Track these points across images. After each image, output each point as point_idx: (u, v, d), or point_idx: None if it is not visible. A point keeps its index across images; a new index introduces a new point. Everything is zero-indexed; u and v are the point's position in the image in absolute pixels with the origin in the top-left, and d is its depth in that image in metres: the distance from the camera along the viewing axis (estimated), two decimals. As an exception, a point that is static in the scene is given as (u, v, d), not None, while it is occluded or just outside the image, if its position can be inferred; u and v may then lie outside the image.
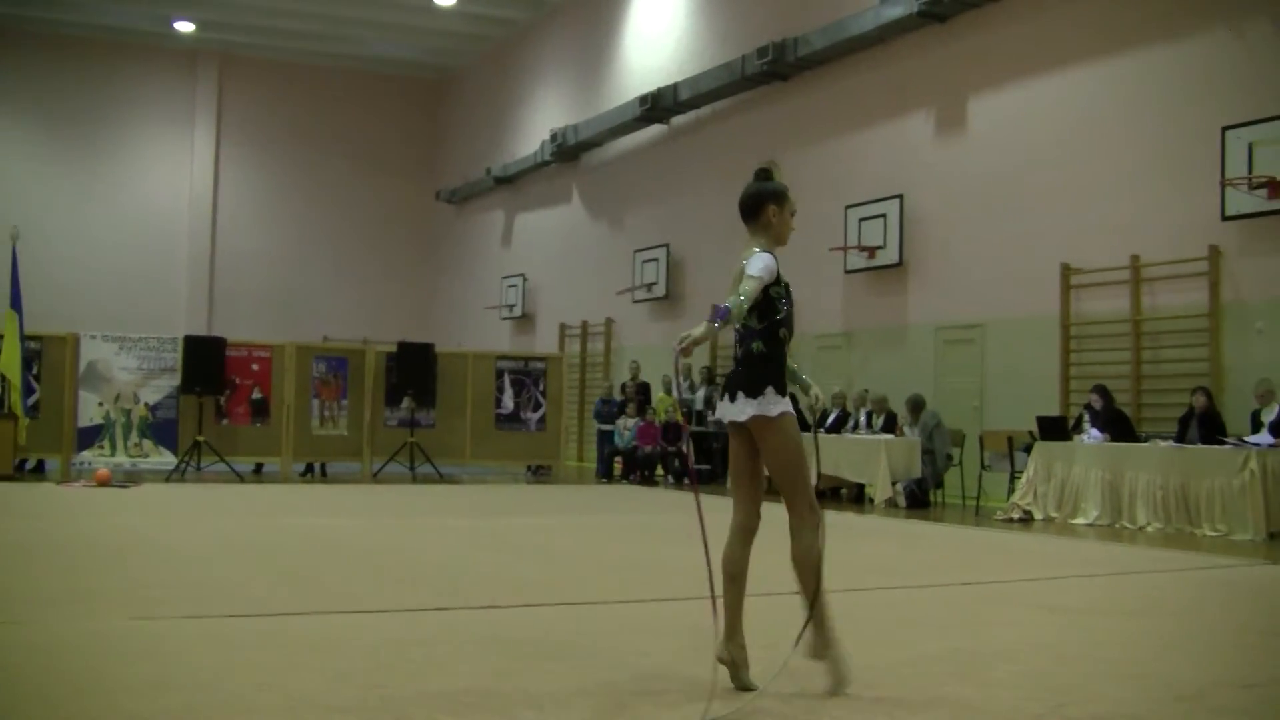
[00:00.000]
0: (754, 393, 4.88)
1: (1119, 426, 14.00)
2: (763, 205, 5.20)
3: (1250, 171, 13.67)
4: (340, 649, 5.55)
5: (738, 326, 4.94)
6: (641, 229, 25.59)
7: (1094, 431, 14.05)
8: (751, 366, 4.95)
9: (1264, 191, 13.56)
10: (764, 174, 5.32)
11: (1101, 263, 15.59)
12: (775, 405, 4.87)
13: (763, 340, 4.96)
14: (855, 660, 5.02)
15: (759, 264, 4.90)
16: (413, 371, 19.59)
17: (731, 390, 4.97)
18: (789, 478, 4.94)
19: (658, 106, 24.22)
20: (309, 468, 19.68)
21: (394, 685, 4.82)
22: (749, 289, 4.78)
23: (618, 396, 21.75)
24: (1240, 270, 14.15)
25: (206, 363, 18.29)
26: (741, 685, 4.82)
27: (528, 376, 21.04)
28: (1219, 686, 5.12)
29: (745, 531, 5.03)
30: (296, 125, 35.32)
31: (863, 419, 17.04)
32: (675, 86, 23.73)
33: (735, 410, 4.93)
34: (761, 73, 21.33)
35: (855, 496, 16.34)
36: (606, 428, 21.07)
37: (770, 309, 4.96)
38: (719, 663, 4.80)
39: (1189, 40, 15.06)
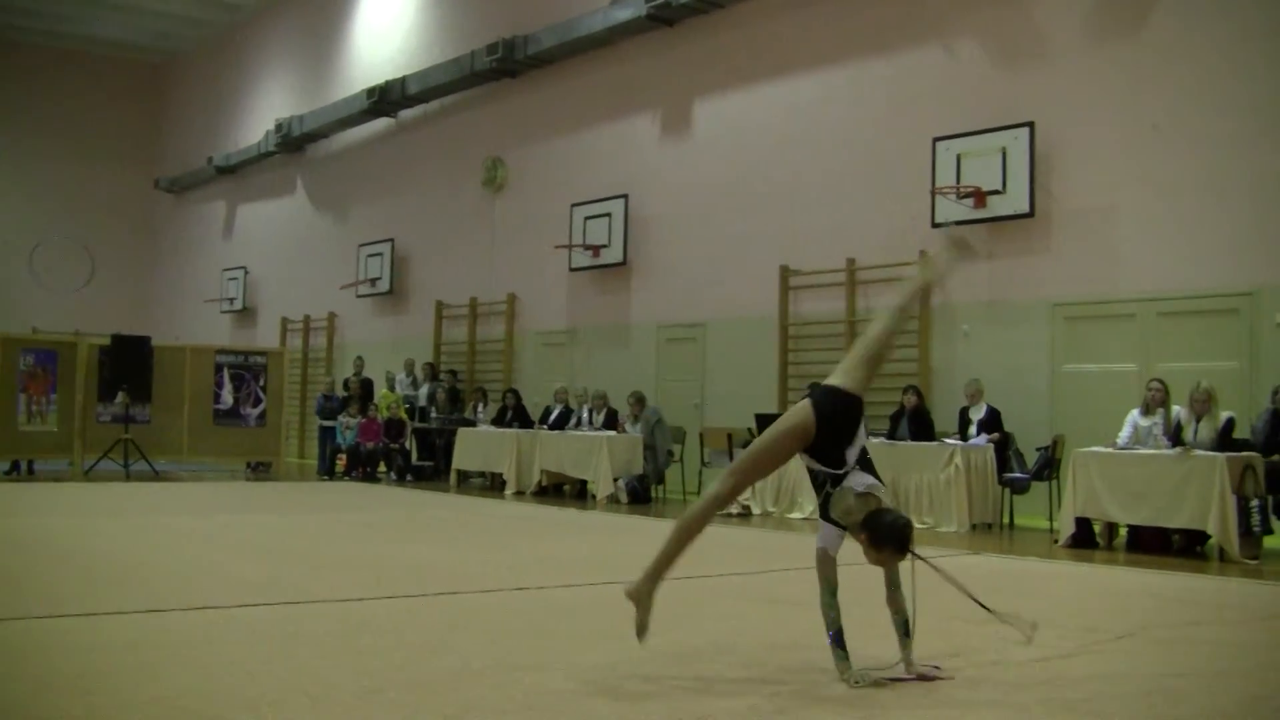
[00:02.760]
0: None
1: (833, 424, 14.11)
2: None
3: (958, 181, 13.99)
4: (47, 655, 5.17)
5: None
6: (366, 223, 24.76)
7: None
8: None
9: (970, 200, 13.93)
10: None
11: (819, 265, 15.77)
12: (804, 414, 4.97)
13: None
14: (583, 658, 5.09)
15: None
16: (128, 365, 18.53)
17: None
18: (750, 452, 5.19)
19: (385, 100, 23.51)
20: (14, 466, 18.33)
21: (103, 692, 4.48)
22: None
23: (340, 392, 21.06)
24: (948, 276, 14.47)
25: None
26: (641, 625, 5.01)
27: (248, 371, 20.20)
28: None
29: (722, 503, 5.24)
30: (4, 106, 32.78)
31: (585, 415, 16.86)
32: (403, 80, 23.07)
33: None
34: (491, 69, 20.93)
35: (578, 493, 16.11)
36: (328, 424, 20.29)
37: None
38: (627, 597, 5.07)
39: (903, 54, 15.34)
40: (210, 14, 31.19)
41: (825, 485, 4.98)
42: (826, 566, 4.93)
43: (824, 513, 4.98)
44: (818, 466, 4.97)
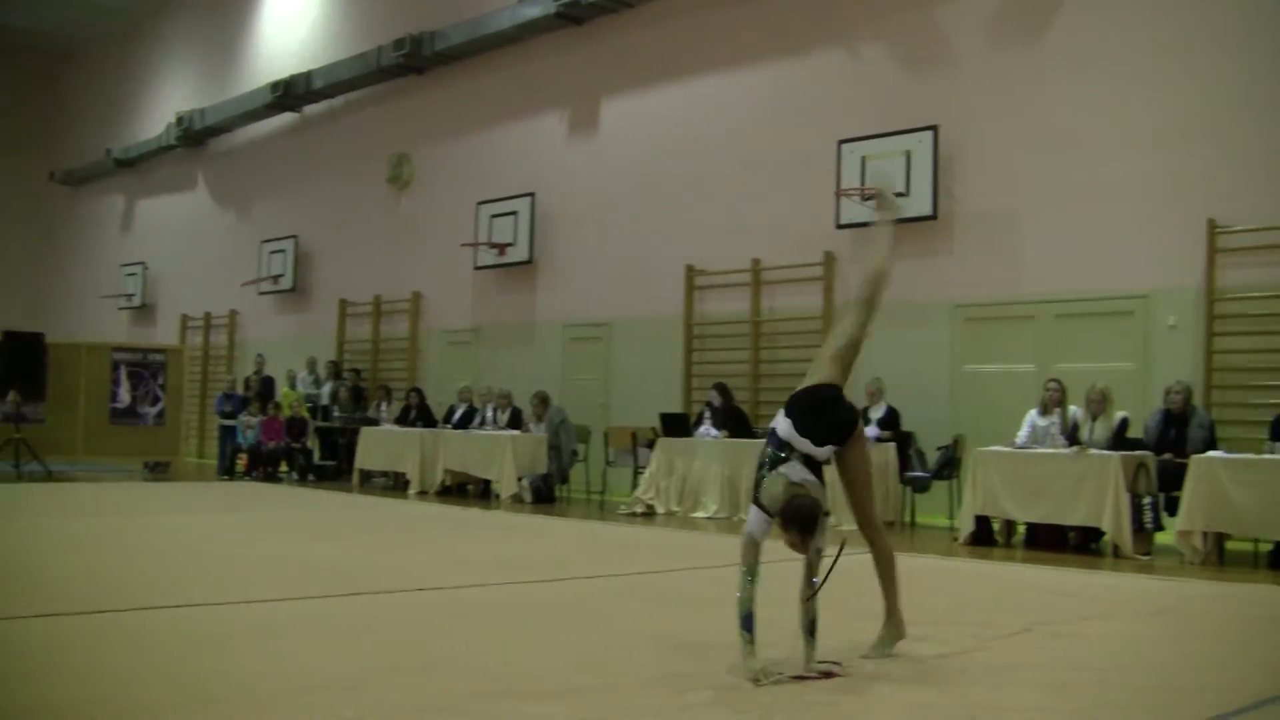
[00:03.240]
0: None
1: (737, 423, 14.18)
2: None
3: (862, 184, 14.05)
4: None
5: None
6: (269, 219, 24.35)
7: (706, 429, 14.19)
8: None
9: (874, 202, 14.01)
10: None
11: (724, 265, 15.80)
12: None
13: None
14: (488, 658, 5.08)
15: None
16: (20, 362, 17.93)
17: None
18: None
19: (290, 94, 23.15)
20: (-104, 468, 17.74)
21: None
22: None
23: (241, 391, 20.74)
24: (852, 276, 14.48)
25: None
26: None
27: (146, 369, 19.77)
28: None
29: None
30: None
31: (489, 415, 16.73)
32: (309, 74, 22.70)
33: None
34: (397, 65, 20.71)
35: (482, 492, 15.91)
36: (229, 423, 19.92)
37: None
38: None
39: (810, 57, 15.39)
40: (112, 1, 30.46)
41: (762, 468, 5.05)
42: (749, 552, 4.98)
43: (755, 497, 5.02)
44: (782, 431, 5.11)
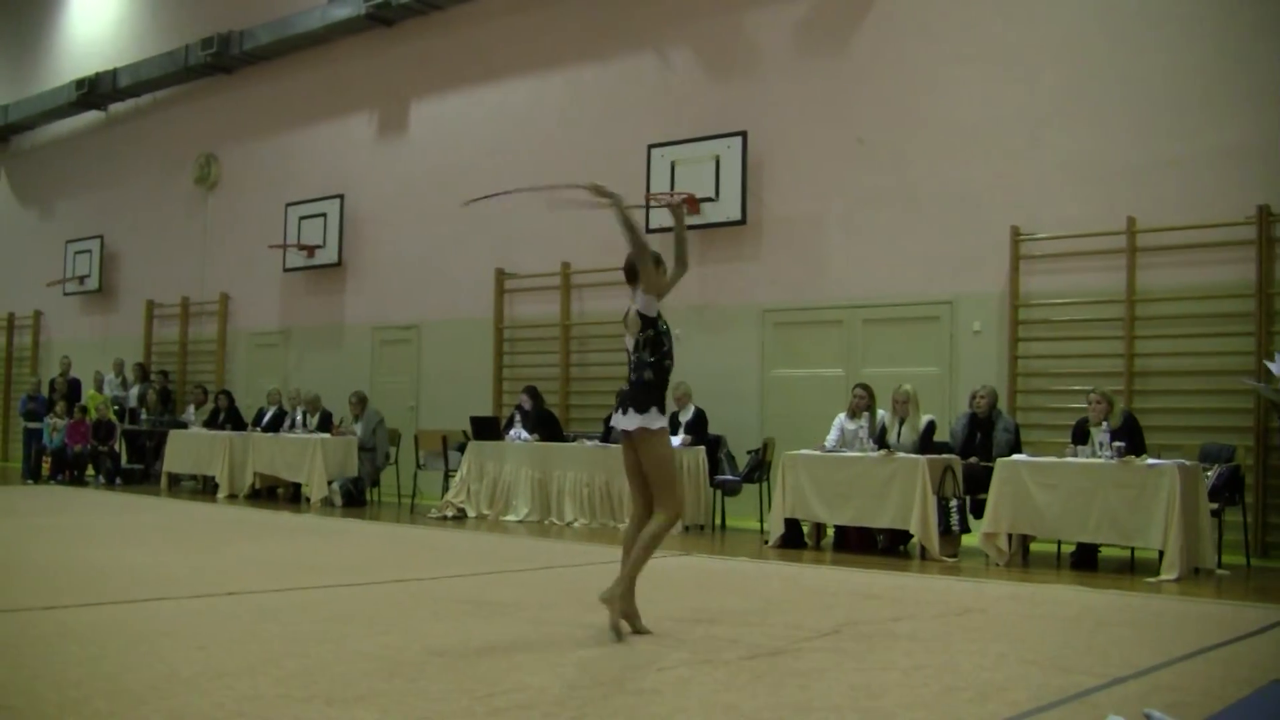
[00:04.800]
0: (642, 410, 5.84)
1: (547, 427, 13.52)
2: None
3: (672, 188, 13.50)
4: None
5: (632, 357, 5.98)
6: (75, 219, 22.55)
7: (517, 432, 13.52)
8: (643, 389, 5.90)
9: (684, 208, 13.50)
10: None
11: (534, 269, 15.13)
12: (657, 421, 5.85)
13: (652, 370, 5.92)
14: (295, 663, 4.95)
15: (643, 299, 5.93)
16: None
17: (624, 406, 5.93)
18: (664, 477, 5.89)
19: (95, 92, 21.48)
20: None
21: None
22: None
23: (46, 393, 19.36)
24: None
25: None
26: (613, 626, 5.73)
27: (-56, 371, 18.31)
28: (636, 670, 5.14)
29: (638, 519, 5.99)
30: None
31: (299, 417, 15.75)
32: (115, 72, 21.08)
33: (625, 421, 5.88)
34: (205, 64, 19.35)
35: (292, 496, 14.92)
36: (34, 426, 18.57)
37: (658, 345, 5.93)
38: (601, 601, 5.80)
39: (619, 62, 14.82)
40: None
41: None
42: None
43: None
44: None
